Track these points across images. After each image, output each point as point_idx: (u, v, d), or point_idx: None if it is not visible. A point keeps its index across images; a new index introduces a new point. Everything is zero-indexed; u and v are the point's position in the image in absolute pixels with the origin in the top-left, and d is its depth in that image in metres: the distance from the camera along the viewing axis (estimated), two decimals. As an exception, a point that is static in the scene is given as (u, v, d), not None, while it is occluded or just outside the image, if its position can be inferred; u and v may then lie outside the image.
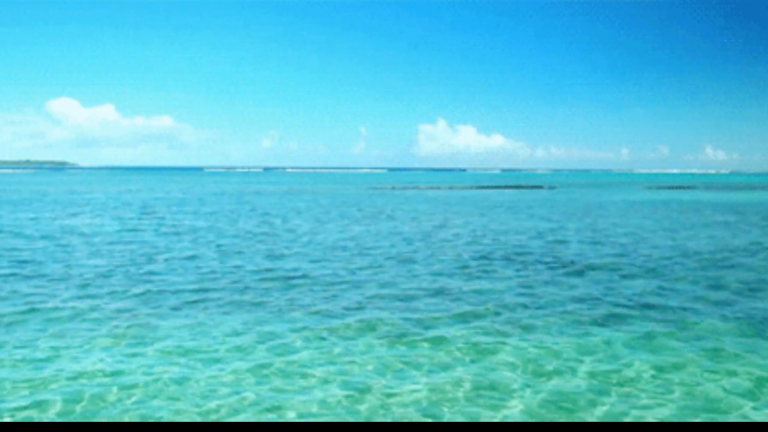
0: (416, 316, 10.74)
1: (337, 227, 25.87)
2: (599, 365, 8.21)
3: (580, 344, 9.10)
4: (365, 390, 7.32)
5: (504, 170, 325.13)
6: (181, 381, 7.50)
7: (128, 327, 9.84)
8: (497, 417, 6.67)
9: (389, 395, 7.17)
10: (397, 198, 50.87)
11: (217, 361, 8.29)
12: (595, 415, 6.73)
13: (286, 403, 6.95)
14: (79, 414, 6.65)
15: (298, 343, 9.09)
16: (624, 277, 14.56)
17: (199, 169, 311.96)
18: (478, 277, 14.41)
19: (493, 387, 7.45)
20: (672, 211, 36.79)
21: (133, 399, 6.99)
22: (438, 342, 9.17)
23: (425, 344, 9.08)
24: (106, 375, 7.69)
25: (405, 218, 30.70)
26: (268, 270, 15.06)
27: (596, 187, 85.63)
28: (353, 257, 17.29)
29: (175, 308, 11.15)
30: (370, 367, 8.07)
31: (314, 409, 6.81)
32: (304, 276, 14.37)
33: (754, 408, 6.89)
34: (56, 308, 10.98)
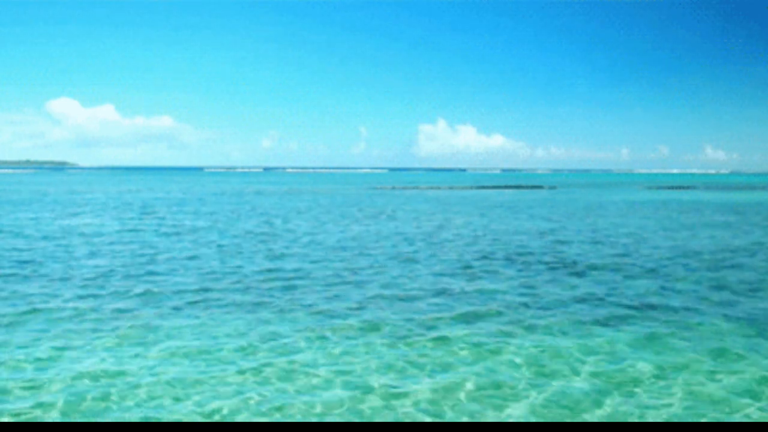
0: (418, 316, 10.73)
1: (337, 227, 25.86)
2: (602, 365, 8.20)
3: (582, 344, 9.09)
4: (368, 390, 7.31)
5: (504, 170, 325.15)
6: (183, 381, 7.49)
7: (130, 327, 9.83)
8: (500, 417, 6.66)
9: (392, 395, 7.16)
10: (398, 198, 50.86)
11: (220, 361, 8.28)
12: (599, 415, 6.72)
13: (289, 403, 6.93)
14: (81, 415, 6.64)
15: (301, 344, 9.08)
16: (626, 277, 14.54)
17: (199, 169, 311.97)
18: (480, 278, 14.40)
19: (496, 387, 7.44)
20: (672, 211, 36.79)
21: (136, 399, 6.98)
22: (441, 342, 9.16)
23: (428, 344, 9.07)
24: (108, 375, 7.67)
25: (406, 218, 30.70)
26: (270, 270, 15.05)
27: (596, 187, 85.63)
28: (354, 257, 17.28)
29: (176, 308, 11.14)
30: (372, 368, 8.06)
31: (317, 409, 6.80)
32: (305, 276, 14.35)
33: (759, 408, 6.88)
34: (57, 309, 10.96)
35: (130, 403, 6.89)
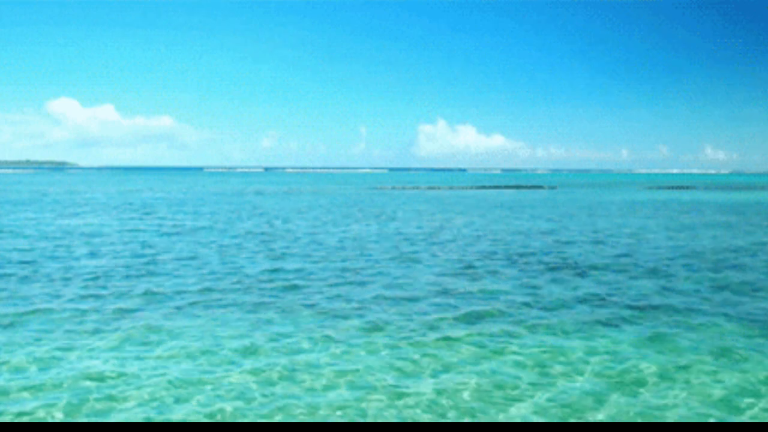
0: (421, 316, 10.71)
1: (338, 227, 25.83)
2: (605, 365, 8.18)
3: (585, 344, 9.07)
4: (372, 390, 7.29)
5: (504, 170, 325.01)
6: (186, 382, 7.47)
7: (132, 328, 9.80)
8: (504, 417, 6.64)
9: (396, 395, 7.13)
10: (398, 198, 50.84)
11: (222, 361, 8.26)
12: (602, 415, 6.70)
13: (292, 403, 6.91)
14: (83, 415, 6.61)
15: (304, 344, 9.05)
16: (628, 277, 14.52)
17: (199, 169, 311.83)
18: (482, 278, 14.38)
19: (499, 387, 7.41)
20: (673, 211, 36.77)
21: (139, 400, 6.95)
22: (444, 342, 9.14)
23: (431, 344, 9.04)
24: (110, 376, 7.65)
25: (406, 218, 30.67)
26: (271, 271, 15.03)
27: (596, 187, 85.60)
28: (356, 257, 17.26)
29: (178, 309, 11.11)
30: (376, 368, 8.03)
31: (320, 409, 6.77)
32: (306, 276, 14.33)
33: (762, 409, 6.86)
34: (59, 309, 10.94)
35: (132, 403, 6.86)
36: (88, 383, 7.41)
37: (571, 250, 19.18)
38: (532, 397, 7.15)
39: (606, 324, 10.25)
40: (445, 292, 12.68)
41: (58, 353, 8.47)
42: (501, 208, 39.40)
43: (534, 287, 13.23)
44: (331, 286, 13.25)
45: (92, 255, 17.29)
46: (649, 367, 8.09)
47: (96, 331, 9.58)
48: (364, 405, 6.90)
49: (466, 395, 7.18)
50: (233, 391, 7.23)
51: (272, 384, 7.49)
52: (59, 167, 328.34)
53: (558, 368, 8.08)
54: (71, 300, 11.66)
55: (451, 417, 6.65)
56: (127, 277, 14.06)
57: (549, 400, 7.08)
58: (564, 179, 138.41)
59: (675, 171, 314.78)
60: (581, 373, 7.90)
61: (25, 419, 6.48)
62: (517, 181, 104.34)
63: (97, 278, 13.82)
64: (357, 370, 7.94)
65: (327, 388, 7.39)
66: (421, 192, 64.10)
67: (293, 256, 17.49)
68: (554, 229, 25.75)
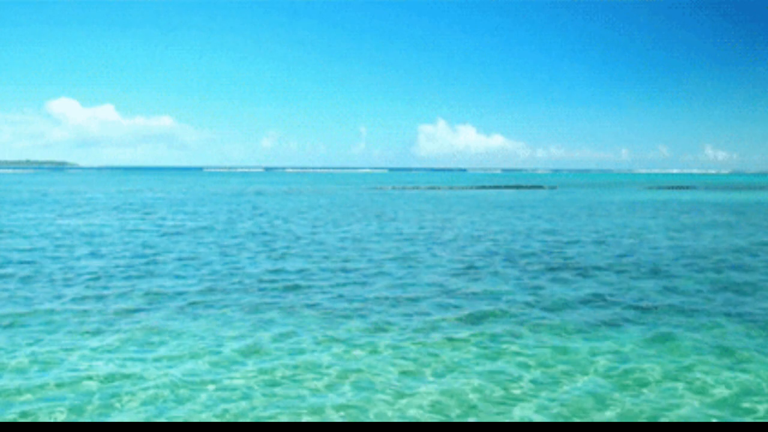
0: (423, 316, 10.69)
1: (339, 227, 25.81)
2: (609, 366, 8.15)
3: (588, 345, 9.05)
4: (375, 391, 7.27)
5: (504, 170, 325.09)
6: (189, 383, 7.44)
7: (134, 328, 9.78)
8: (508, 418, 6.62)
9: (399, 396, 7.11)
10: (398, 198, 50.83)
11: (226, 362, 8.23)
12: (606, 416, 6.68)
13: (295, 404, 6.89)
14: (85, 416, 6.59)
15: (306, 344, 9.03)
16: (630, 277, 14.50)
17: (199, 169, 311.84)
18: (484, 278, 14.36)
19: (503, 387, 7.39)
20: (673, 211, 36.75)
21: (141, 401, 6.92)
22: (447, 342, 9.12)
23: (434, 345, 9.02)
24: (112, 377, 7.62)
25: (407, 218, 30.65)
26: (272, 271, 15.00)
27: (597, 187, 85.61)
28: (357, 258, 17.24)
29: (179, 309, 11.09)
30: (379, 368, 8.01)
31: (325, 409, 6.75)
32: (308, 276, 14.31)
33: (767, 409, 6.83)
34: (60, 310, 10.91)
35: (135, 404, 6.84)
36: (90, 384, 7.38)
37: (572, 250, 19.17)
38: (535, 397, 7.13)
39: (609, 324, 10.23)
40: (447, 292, 12.66)
41: (59, 354, 8.44)
42: (501, 208, 39.38)
43: (536, 287, 13.21)
44: (332, 286, 13.23)
45: (93, 255, 17.27)
46: (652, 368, 8.06)
47: (98, 332, 9.56)
48: (367, 405, 6.88)
49: (469, 395, 7.16)
50: (236, 392, 7.21)
51: (275, 384, 7.46)
52: (59, 167, 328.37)
53: (561, 368, 8.06)
54: (72, 300, 11.64)
55: (455, 417, 6.63)
56: (128, 277, 14.04)
57: (552, 400, 7.05)
58: (564, 179, 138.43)
59: (675, 171, 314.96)
60: (584, 374, 7.87)
61: (26, 420, 6.45)
62: (517, 181, 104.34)
63: (98, 278, 13.80)
64: (360, 370, 7.92)
65: (330, 388, 7.37)
66: (422, 192, 64.08)
67: (294, 256, 17.47)
68: (555, 229, 25.73)
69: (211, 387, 7.33)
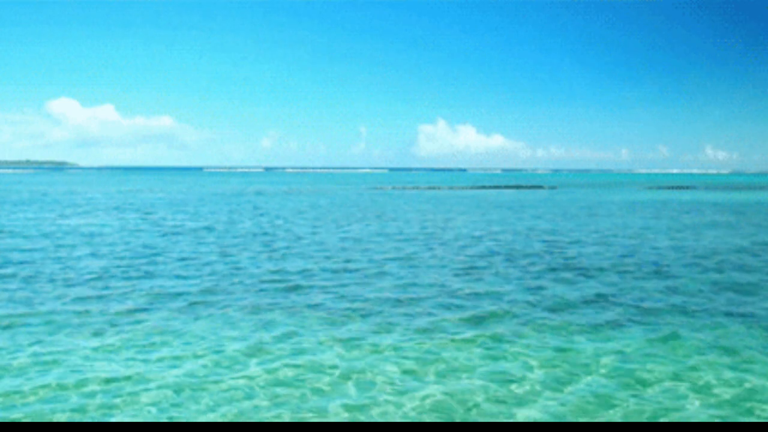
0: (426, 317, 10.66)
1: (339, 227, 25.79)
2: (613, 366, 8.13)
3: (592, 345, 9.03)
4: (378, 391, 7.24)
5: (504, 170, 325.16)
6: (191, 383, 7.41)
7: (135, 329, 9.76)
8: (511, 418, 6.59)
9: (402, 396, 7.09)
10: (398, 198, 50.81)
11: (228, 362, 8.21)
12: (610, 416, 6.65)
13: (297, 404, 6.86)
14: (87, 417, 6.56)
15: (309, 344, 9.00)
16: (632, 278, 14.47)
17: (199, 169, 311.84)
18: (485, 278, 14.33)
19: (507, 388, 7.36)
20: (674, 212, 36.73)
21: (143, 402, 6.90)
22: (450, 343, 9.09)
23: (437, 345, 8.99)
24: (114, 378, 7.59)
25: (407, 219, 30.63)
26: (273, 271, 14.98)
27: (597, 187, 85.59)
28: (358, 258, 17.21)
29: (181, 310, 11.06)
30: (382, 368, 7.98)
31: (328, 409, 6.72)
32: (309, 276, 14.29)
33: (771, 410, 6.82)
34: (61, 311, 10.89)
35: (137, 405, 6.81)
36: (92, 384, 7.36)
37: (573, 250, 19.14)
38: (539, 397, 7.11)
39: (611, 324, 10.21)
40: (449, 293, 12.63)
41: (61, 355, 8.42)
42: (502, 208, 39.36)
43: (538, 287, 13.19)
44: (334, 286, 13.21)
45: (93, 255, 17.24)
46: (655, 368, 8.04)
47: (99, 332, 9.53)
48: (370, 405, 6.86)
49: (472, 396, 7.14)
50: (239, 392, 7.18)
51: (278, 384, 7.44)
52: (59, 167, 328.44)
53: (564, 369, 8.04)
54: (74, 301, 11.61)
55: (458, 417, 6.61)
56: (129, 277, 14.01)
57: (556, 400, 7.03)
58: (564, 179, 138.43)
59: (675, 171, 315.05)
60: (588, 374, 7.85)
61: (29, 420, 6.43)
62: (517, 181, 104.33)
63: (99, 279, 13.77)
64: (363, 371, 7.90)
65: (333, 388, 7.34)
66: (422, 192, 64.06)
67: (295, 256, 17.44)
68: (556, 229, 25.71)
69: (213, 387, 7.31)
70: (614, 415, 6.68)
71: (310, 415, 6.63)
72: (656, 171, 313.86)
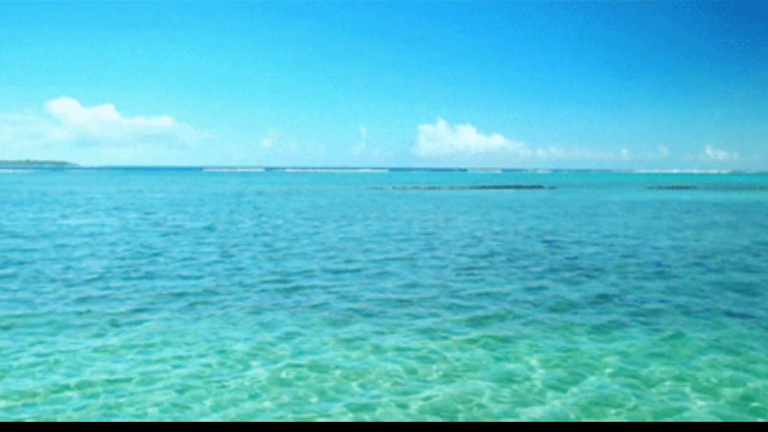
0: (429, 317, 10.65)
1: (340, 227, 25.77)
2: (616, 366, 8.11)
3: (595, 345, 9.01)
4: (381, 392, 7.22)
5: (504, 170, 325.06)
6: (193, 384, 7.39)
7: (137, 329, 9.74)
8: (515, 418, 6.57)
9: (405, 396, 7.07)
10: (399, 198, 50.79)
11: (230, 362, 8.19)
12: (614, 416, 6.64)
13: (300, 405, 6.85)
14: (88, 418, 6.54)
15: (311, 345, 8.98)
16: (635, 278, 14.45)
17: (199, 169, 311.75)
18: (487, 278, 14.32)
19: (510, 388, 7.34)
20: (675, 212, 36.72)
21: (145, 402, 6.88)
22: (453, 343, 9.07)
23: (440, 345, 8.97)
24: (115, 378, 7.58)
25: (407, 219, 30.61)
26: (273, 272, 14.96)
27: (597, 187, 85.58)
28: (359, 258, 17.20)
29: (182, 310, 11.05)
30: (385, 369, 7.96)
31: (331, 410, 6.71)
32: (310, 277, 14.27)
33: (775, 410, 6.80)
34: (61, 311, 10.87)
35: (139, 405, 6.79)
36: (93, 385, 7.34)
37: (575, 250, 19.13)
38: (543, 397, 7.09)
39: (614, 325, 10.19)
40: (451, 293, 12.62)
41: (62, 355, 8.40)
42: (502, 208, 39.35)
43: (540, 288, 13.17)
44: (335, 286, 13.19)
45: (94, 255, 17.22)
46: (659, 368, 8.03)
47: (100, 333, 9.51)
48: (374, 405, 6.84)
49: (476, 396, 7.12)
50: (242, 392, 7.16)
51: (281, 385, 7.42)
52: (59, 167, 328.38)
53: (567, 369, 8.02)
54: (75, 301, 11.59)
55: (461, 417, 6.59)
56: (130, 278, 13.99)
57: (559, 400, 7.01)
58: (564, 179, 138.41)
59: (675, 171, 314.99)
60: (591, 374, 7.83)
61: (31, 420, 6.41)
62: (517, 181, 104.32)
63: (99, 279, 13.76)
64: (366, 371, 7.88)
65: (336, 388, 7.33)
66: (422, 192, 64.05)
67: (296, 256, 17.43)
68: (556, 229, 25.69)
69: (216, 387, 7.29)
70: (617, 415, 6.67)
71: (314, 415, 6.61)
72: (656, 171, 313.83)
